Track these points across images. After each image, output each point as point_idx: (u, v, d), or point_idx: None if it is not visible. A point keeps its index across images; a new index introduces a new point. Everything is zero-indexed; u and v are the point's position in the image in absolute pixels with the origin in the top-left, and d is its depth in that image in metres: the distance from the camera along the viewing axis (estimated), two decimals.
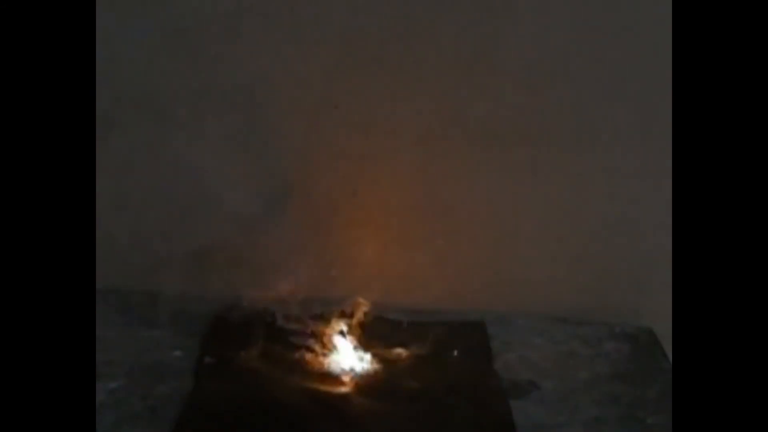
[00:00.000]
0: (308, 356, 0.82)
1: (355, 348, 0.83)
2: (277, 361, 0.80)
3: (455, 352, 0.84)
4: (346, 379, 0.79)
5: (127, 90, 0.81)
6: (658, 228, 0.81)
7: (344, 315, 0.85)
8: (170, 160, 0.85)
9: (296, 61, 0.80)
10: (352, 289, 0.89)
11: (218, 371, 0.78)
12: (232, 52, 0.79)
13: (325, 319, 0.85)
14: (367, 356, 0.82)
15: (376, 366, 0.81)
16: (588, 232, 0.89)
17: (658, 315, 0.89)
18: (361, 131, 0.83)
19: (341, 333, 0.83)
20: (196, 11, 0.77)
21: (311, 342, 0.83)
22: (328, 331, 0.84)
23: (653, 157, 0.83)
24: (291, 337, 0.83)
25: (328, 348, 0.83)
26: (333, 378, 0.79)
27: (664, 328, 0.90)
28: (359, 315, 0.84)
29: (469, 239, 0.90)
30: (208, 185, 0.86)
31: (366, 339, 0.84)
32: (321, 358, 0.82)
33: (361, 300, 0.85)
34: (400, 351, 0.84)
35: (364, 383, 0.79)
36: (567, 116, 0.83)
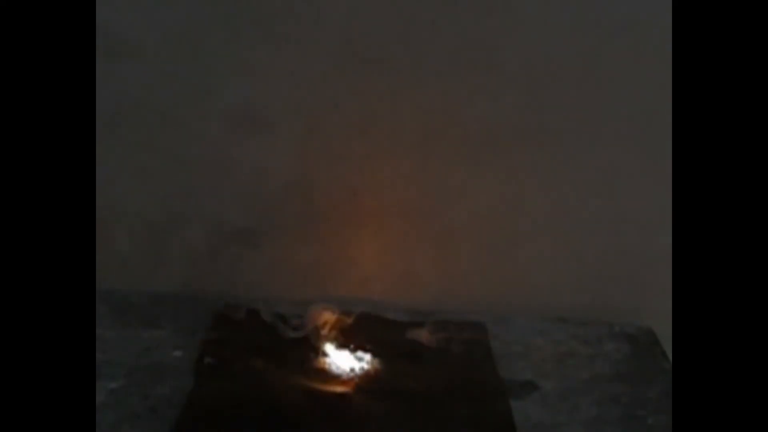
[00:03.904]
0: (308, 356, 0.82)
1: (354, 348, 0.83)
2: (276, 361, 0.80)
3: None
4: (346, 379, 0.79)
5: (128, 90, 0.81)
6: (658, 228, 0.81)
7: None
8: (168, 158, 0.85)
9: (296, 61, 0.79)
10: (353, 289, 0.89)
11: (218, 371, 0.78)
12: (233, 52, 0.79)
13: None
14: (367, 356, 0.82)
15: (376, 366, 0.81)
16: (588, 233, 0.89)
17: (658, 315, 0.89)
18: (361, 131, 0.83)
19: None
20: (196, 11, 0.77)
21: (311, 342, 0.83)
22: (327, 331, 0.84)
23: (653, 157, 0.83)
24: (291, 337, 0.83)
25: (328, 348, 0.83)
26: (333, 378, 0.79)
27: (664, 328, 0.90)
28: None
29: (469, 239, 0.90)
30: (207, 183, 0.86)
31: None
32: (321, 358, 0.82)
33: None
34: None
35: (364, 383, 0.79)
36: (567, 116, 0.82)
